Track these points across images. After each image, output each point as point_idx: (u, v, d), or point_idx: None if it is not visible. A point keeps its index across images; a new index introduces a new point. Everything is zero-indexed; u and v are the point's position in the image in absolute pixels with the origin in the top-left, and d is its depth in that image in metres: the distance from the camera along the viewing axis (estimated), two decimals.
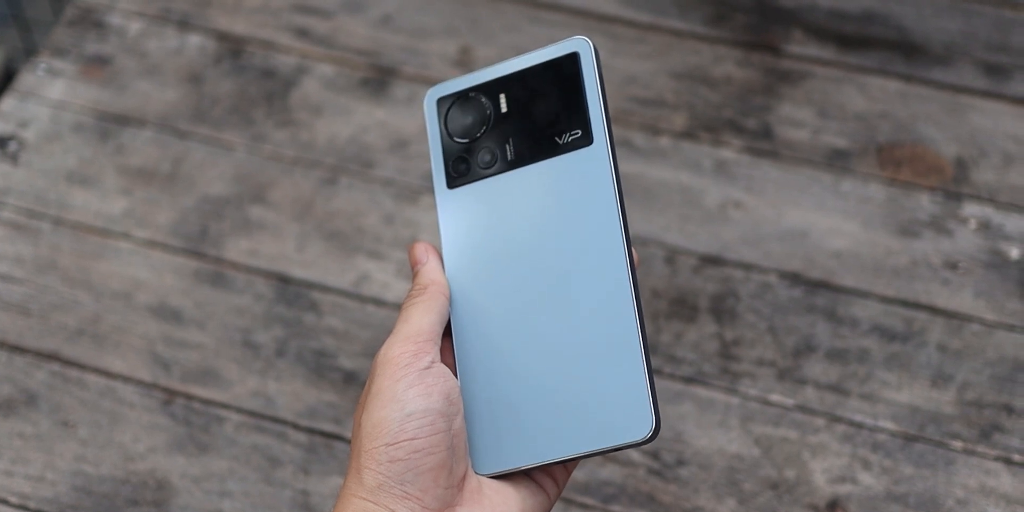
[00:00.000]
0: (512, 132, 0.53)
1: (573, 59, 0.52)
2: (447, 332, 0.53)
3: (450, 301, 0.53)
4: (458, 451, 0.49)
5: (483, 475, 0.50)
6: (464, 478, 0.50)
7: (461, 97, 0.55)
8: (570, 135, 0.52)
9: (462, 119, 0.54)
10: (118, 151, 0.94)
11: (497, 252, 0.52)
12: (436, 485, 0.48)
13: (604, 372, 0.49)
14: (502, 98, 0.54)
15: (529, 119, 0.53)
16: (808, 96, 0.97)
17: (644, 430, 0.48)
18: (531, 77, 0.53)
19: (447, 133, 0.55)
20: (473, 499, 0.49)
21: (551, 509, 0.52)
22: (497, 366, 0.51)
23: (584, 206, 0.51)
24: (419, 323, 0.51)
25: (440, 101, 0.55)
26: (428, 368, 0.49)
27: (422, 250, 0.54)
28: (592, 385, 0.49)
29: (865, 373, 0.82)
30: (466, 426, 0.51)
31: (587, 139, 0.51)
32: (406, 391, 0.48)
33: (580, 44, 0.52)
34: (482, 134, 0.54)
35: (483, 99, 0.54)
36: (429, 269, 0.53)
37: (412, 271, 0.54)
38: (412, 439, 0.47)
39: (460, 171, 0.54)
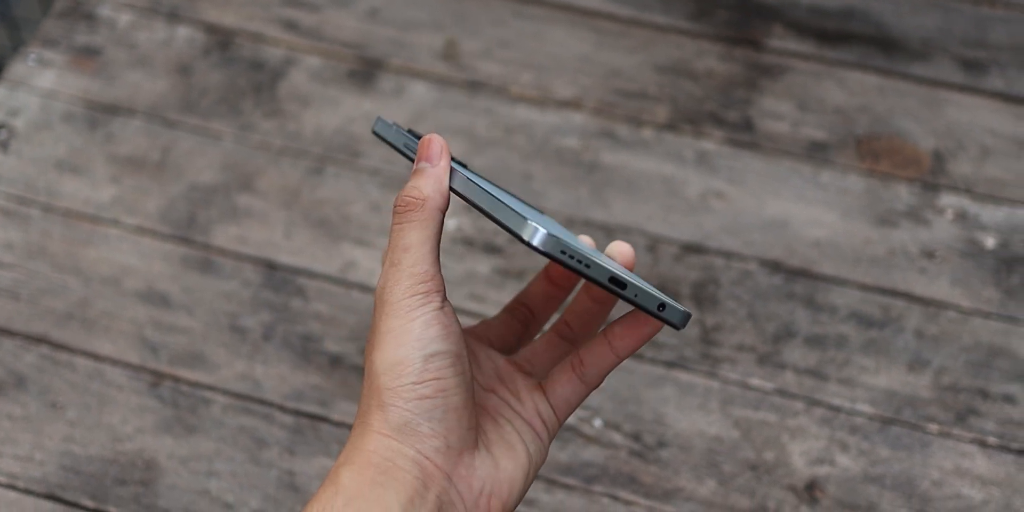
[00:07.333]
0: None
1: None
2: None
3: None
4: (473, 395, 0.50)
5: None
6: (479, 424, 0.50)
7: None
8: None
9: None
10: (107, 140, 0.95)
11: None
12: (459, 425, 0.48)
13: None
14: None
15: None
16: (788, 90, 0.98)
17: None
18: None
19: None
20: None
21: (547, 453, 0.53)
22: None
23: None
24: (421, 252, 0.48)
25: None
26: (442, 307, 0.48)
27: (438, 149, 0.50)
28: None
29: (843, 358, 0.83)
30: None
31: None
32: (425, 331, 0.47)
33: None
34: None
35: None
36: (438, 176, 0.50)
37: (415, 166, 0.50)
38: (438, 378, 0.47)
39: None
